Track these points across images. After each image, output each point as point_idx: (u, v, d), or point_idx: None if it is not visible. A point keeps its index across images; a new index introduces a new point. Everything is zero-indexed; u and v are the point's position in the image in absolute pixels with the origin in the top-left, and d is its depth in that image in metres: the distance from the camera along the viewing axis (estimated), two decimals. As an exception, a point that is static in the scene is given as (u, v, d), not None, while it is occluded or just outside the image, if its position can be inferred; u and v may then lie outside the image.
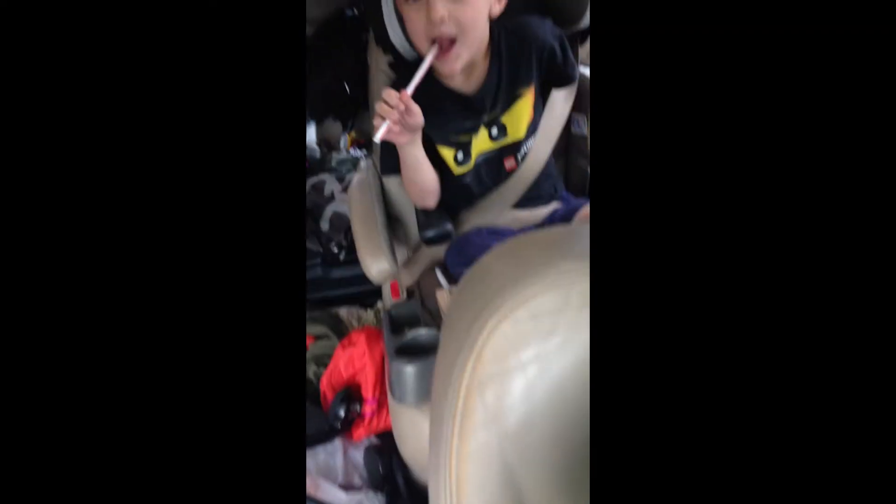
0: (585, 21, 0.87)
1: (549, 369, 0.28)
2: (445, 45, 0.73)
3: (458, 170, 0.89)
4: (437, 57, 0.74)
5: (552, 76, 0.87)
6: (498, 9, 0.78)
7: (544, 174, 0.95)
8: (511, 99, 0.85)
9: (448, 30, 0.72)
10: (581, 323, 0.28)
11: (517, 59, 0.82)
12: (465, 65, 0.77)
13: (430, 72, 0.77)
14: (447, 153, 0.87)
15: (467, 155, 0.88)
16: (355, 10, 1.59)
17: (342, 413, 0.97)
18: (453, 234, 0.91)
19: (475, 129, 0.86)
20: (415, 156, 0.82)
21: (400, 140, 0.77)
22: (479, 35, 0.76)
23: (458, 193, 0.93)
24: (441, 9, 0.70)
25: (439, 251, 0.96)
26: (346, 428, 0.99)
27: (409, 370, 0.73)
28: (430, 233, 0.90)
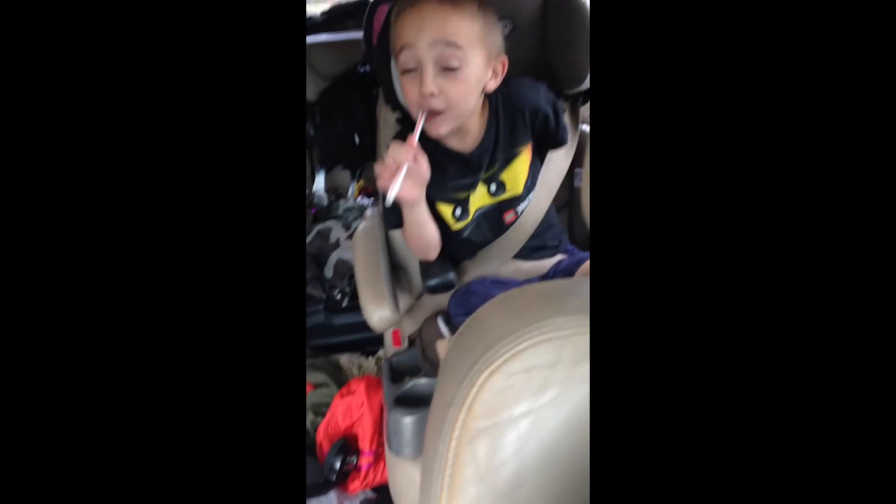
0: (586, 83, 0.90)
1: (542, 425, 0.28)
2: (433, 113, 0.77)
3: (456, 225, 0.91)
4: (425, 119, 0.77)
5: (544, 140, 0.90)
6: (493, 84, 0.81)
7: (547, 225, 0.97)
8: (509, 157, 0.87)
9: (437, 104, 0.75)
10: (574, 378, 0.28)
11: (514, 121, 0.85)
12: (451, 130, 0.80)
13: (425, 132, 0.79)
14: (445, 209, 0.89)
15: (465, 211, 0.90)
16: (367, 67, 1.66)
17: (338, 465, 0.95)
18: (456, 283, 0.92)
19: (473, 186, 0.88)
20: (420, 212, 0.83)
21: (412, 195, 0.77)
22: (467, 109, 0.79)
23: (459, 246, 0.94)
24: (431, 84, 0.74)
25: (442, 300, 0.96)
26: (341, 480, 0.96)
27: (407, 421, 0.72)
28: (433, 281, 0.90)
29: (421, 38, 0.72)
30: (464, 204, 0.89)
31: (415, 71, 0.75)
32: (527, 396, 0.28)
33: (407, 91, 0.78)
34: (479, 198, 0.90)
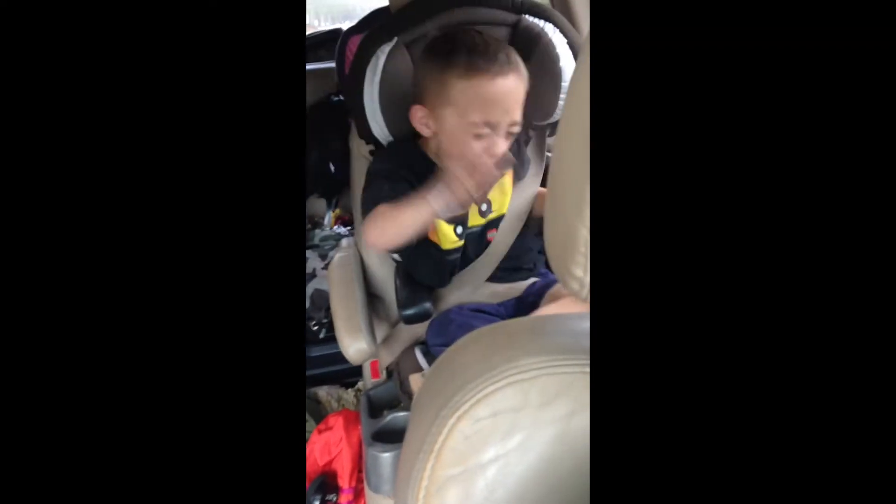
0: (556, 116, 0.92)
1: (510, 470, 0.28)
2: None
3: (457, 243, 0.90)
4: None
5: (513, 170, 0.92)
6: None
7: (523, 248, 0.97)
8: None
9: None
10: (540, 421, 0.28)
11: None
12: None
13: (421, 149, 0.80)
14: (447, 228, 0.89)
15: (466, 228, 0.91)
16: (341, 97, 1.67)
17: (317, 503, 0.92)
18: (433, 312, 0.91)
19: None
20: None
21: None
22: None
23: (439, 269, 0.93)
24: (504, 146, 0.79)
25: (420, 329, 0.95)
26: (320, 520, 0.93)
27: (386, 457, 0.70)
28: (410, 311, 0.90)
29: (507, 117, 0.78)
30: (464, 221, 0.90)
31: (484, 130, 0.79)
32: (494, 441, 0.28)
33: (467, 146, 0.79)
34: (473, 217, 0.91)
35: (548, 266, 1.04)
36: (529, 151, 0.99)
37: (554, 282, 0.96)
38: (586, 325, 0.34)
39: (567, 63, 0.88)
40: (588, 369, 0.29)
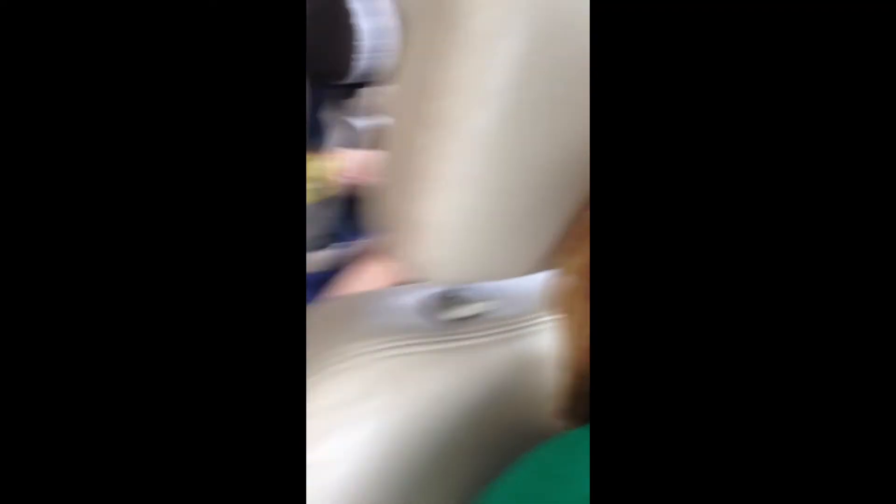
0: (352, 77, 0.88)
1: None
2: None
3: None
4: None
5: None
6: None
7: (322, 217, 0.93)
8: None
9: None
10: (358, 416, 0.25)
11: None
12: None
13: None
14: None
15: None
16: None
17: None
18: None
19: None
20: None
21: None
22: None
23: None
24: None
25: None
26: None
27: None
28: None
29: None
30: None
31: None
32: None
33: None
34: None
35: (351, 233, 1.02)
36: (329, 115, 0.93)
37: (357, 245, 0.94)
38: (402, 300, 0.33)
39: (363, 20, 0.84)
40: (413, 349, 0.28)
